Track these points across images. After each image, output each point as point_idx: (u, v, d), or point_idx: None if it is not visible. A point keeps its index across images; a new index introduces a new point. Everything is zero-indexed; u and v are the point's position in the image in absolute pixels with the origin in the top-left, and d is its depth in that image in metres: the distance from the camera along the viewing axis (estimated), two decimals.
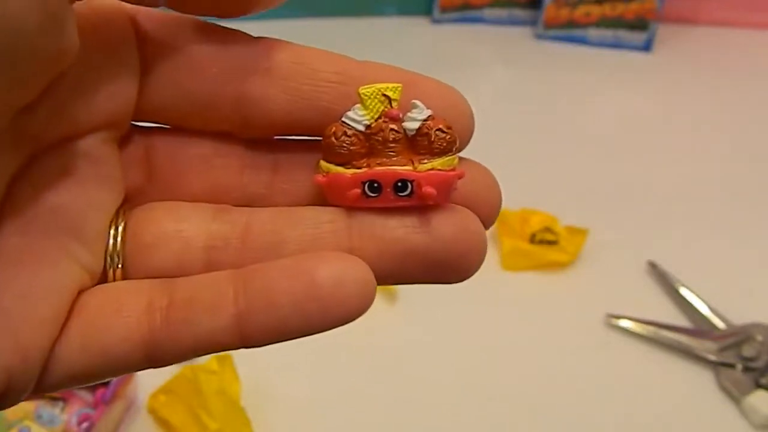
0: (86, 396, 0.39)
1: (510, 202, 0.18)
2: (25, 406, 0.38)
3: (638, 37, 0.83)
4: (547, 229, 0.54)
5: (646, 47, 0.83)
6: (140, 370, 0.16)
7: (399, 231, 0.16)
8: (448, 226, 0.16)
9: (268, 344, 0.16)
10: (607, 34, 0.83)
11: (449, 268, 0.16)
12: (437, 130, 0.16)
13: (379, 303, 0.16)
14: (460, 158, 0.17)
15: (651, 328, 0.48)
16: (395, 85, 0.17)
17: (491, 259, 0.52)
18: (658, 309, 0.51)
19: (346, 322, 0.16)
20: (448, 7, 0.86)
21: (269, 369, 0.44)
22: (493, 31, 0.87)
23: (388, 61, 0.17)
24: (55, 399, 0.39)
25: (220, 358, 0.42)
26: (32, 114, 0.16)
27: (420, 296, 0.49)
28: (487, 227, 0.17)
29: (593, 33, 0.84)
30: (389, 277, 0.16)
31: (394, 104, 0.17)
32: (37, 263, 0.16)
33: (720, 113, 0.75)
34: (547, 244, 0.53)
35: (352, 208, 0.17)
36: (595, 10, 0.83)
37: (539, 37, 0.85)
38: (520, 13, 0.87)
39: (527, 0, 0.86)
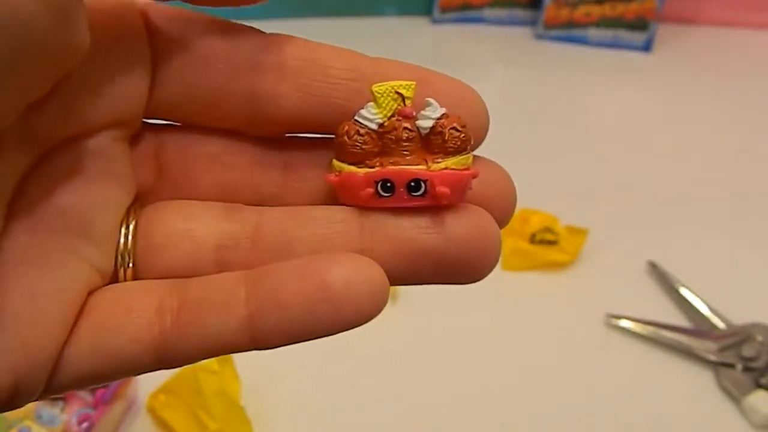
0: (86, 396, 0.39)
1: None
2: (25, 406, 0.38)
3: (638, 37, 0.83)
4: (547, 229, 0.54)
5: (646, 47, 0.83)
6: (150, 371, 0.16)
7: (412, 231, 0.16)
8: (462, 227, 0.16)
9: (279, 346, 0.16)
10: (607, 34, 0.83)
11: (462, 269, 0.16)
12: (451, 128, 0.16)
13: None
14: (475, 157, 0.17)
15: (651, 328, 0.48)
16: (409, 82, 0.16)
17: None
18: (658, 309, 0.51)
19: (358, 324, 0.15)
20: (448, 7, 0.86)
21: (269, 369, 0.43)
22: (493, 31, 0.86)
23: None
24: (55, 399, 0.39)
25: (221, 358, 0.41)
26: (41, 112, 0.15)
27: (420, 296, 0.48)
28: (501, 227, 0.16)
29: (593, 33, 0.83)
30: (402, 278, 0.16)
31: (407, 102, 0.16)
32: (46, 263, 0.16)
33: (720, 113, 0.75)
34: (547, 244, 0.53)
35: (364, 207, 0.16)
36: (595, 10, 0.82)
37: (539, 37, 0.85)
38: (520, 13, 0.87)
39: (527, 0, 0.86)
